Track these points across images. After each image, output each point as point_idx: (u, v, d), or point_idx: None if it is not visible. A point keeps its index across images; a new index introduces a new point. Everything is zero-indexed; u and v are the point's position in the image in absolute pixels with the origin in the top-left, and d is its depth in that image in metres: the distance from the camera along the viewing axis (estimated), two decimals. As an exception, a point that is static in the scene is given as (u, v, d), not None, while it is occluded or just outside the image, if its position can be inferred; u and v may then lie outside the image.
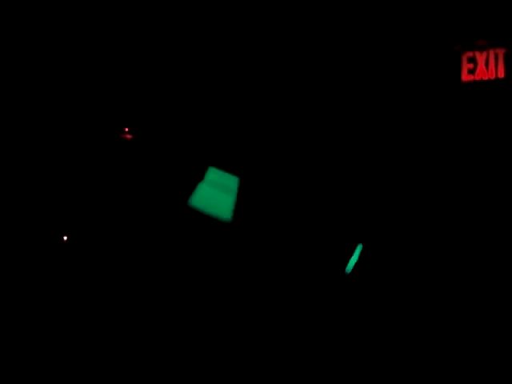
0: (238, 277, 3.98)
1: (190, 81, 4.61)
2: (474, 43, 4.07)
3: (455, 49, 4.12)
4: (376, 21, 4.29)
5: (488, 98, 3.92)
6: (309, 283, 3.79)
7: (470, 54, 4.07)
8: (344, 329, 3.60)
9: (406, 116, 4.16)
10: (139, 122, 4.71)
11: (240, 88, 4.53)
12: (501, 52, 4.00)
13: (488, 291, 2.96)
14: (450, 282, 3.07)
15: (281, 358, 3.59)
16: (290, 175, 4.21)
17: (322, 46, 4.40)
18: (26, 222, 4.40)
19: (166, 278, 4.15)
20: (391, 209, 3.81)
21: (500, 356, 2.81)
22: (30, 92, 4.58)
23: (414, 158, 3.97)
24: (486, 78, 4.03)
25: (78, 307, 4.06)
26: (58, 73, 4.63)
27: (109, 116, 4.71)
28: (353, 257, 3.79)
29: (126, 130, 4.70)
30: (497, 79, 3.99)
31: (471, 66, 4.07)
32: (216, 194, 4.14)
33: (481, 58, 4.05)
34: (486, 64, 4.04)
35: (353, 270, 3.67)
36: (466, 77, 4.08)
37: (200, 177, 4.37)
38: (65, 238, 4.50)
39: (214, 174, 4.20)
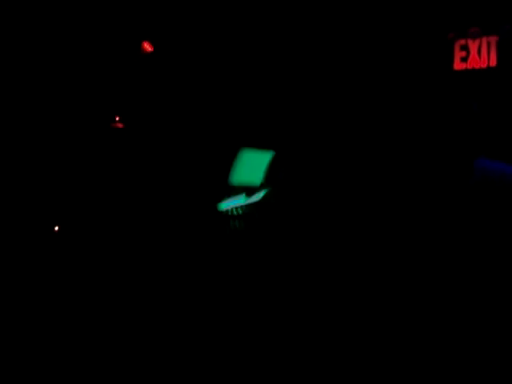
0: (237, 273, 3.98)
1: (189, 79, 4.61)
2: (466, 31, 4.05)
3: (448, 37, 4.10)
4: (369, 10, 4.27)
5: (480, 85, 3.90)
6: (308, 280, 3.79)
7: (463, 41, 4.04)
8: (340, 326, 3.60)
9: (398, 104, 4.14)
10: (130, 111, 4.69)
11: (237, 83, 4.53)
12: (493, 40, 3.97)
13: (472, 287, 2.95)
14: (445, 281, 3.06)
15: (280, 357, 3.59)
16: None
17: (315, 34, 4.38)
18: (19, 216, 4.39)
19: (166, 273, 4.15)
20: (385, 200, 3.79)
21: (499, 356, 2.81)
22: (20, 85, 4.57)
23: (407, 146, 3.95)
24: (478, 66, 4.00)
25: (78, 305, 4.06)
26: (51, 66, 4.62)
27: (100, 106, 4.70)
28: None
29: (117, 118, 4.68)
30: (489, 67, 3.96)
31: (464, 53, 4.04)
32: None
33: (473, 46, 4.02)
34: (479, 52, 4.01)
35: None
36: (458, 65, 4.05)
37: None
38: (56, 228, 4.49)
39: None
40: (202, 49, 4.58)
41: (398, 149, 4.00)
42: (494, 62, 3.96)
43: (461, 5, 4.04)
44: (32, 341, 3.82)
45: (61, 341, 3.82)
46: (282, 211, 4.01)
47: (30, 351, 3.75)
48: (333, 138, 4.21)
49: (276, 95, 4.43)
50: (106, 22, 4.62)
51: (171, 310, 3.93)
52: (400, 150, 3.96)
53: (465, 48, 4.04)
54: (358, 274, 3.64)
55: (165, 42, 4.61)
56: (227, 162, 4.16)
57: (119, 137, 4.67)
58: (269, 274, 3.84)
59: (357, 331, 3.47)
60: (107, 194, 4.51)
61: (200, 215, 4.27)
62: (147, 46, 4.52)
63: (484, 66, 3.98)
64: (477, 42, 4.01)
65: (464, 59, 4.04)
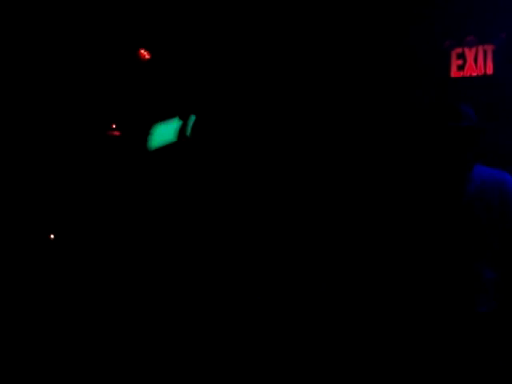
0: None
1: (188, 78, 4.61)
2: (463, 40, 4.08)
3: (445, 45, 4.12)
4: (367, 18, 4.30)
5: (477, 93, 3.92)
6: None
7: (459, 50, 4.07)
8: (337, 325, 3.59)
9: (395, 111, 4.16)
10: (126, 119, 4.69)
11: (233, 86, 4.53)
12: (489, 48, 4.01)
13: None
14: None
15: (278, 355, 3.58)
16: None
17: (314, 42, 4.40)
18: (17, 220, 4.38)
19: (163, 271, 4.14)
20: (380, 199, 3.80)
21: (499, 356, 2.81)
22: (18, 92, 4.56)
23: (404, 153, 3.96)
24: (474, 74, 4.03)
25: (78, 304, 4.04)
26: (49, 73, 4.61)
27: (96, 113, 4.69)
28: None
29: (113, 126, 4.68)
30: (485, 75, 3.99)
31: (460, 62, 4.07)
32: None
33: (470, 54, 4.05)
34: (475, 60, 4.04)
35: None
36: (455, 73, 4.08)
37: None
38: (51, 236, 4.47)
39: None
40: (199, 56, 4.59)
41: (394, 155, 4.01)
42: (490, 70, 3.99)
43: (457, 14, 4.07)
44: (32, 341, 3.80)
45: (61, 341, 3.80)
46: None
47: (30, 351, 3.73)
48: (332, 145, 4.23)
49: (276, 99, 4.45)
50: (103, 29, 4.62)
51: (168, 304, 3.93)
52: (397, 156, 3.97)
53: (461, 56, 4.07)
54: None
55: (162, 49, 4.61)
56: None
57: (115, 144, 4.66)
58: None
59: (350, 327, 3.47)
60: (104, 198, 4.50)
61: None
62: (144, 53, 4.52)
63: (480, 73, 4.01)
64: (473, 50, 4.04)
65: (461, 67, 4.07)
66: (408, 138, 3.98)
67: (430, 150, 3.08)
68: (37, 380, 3.60)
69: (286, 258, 3.93)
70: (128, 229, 4.37)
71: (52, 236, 4.48)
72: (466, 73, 4.05)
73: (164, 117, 4.50)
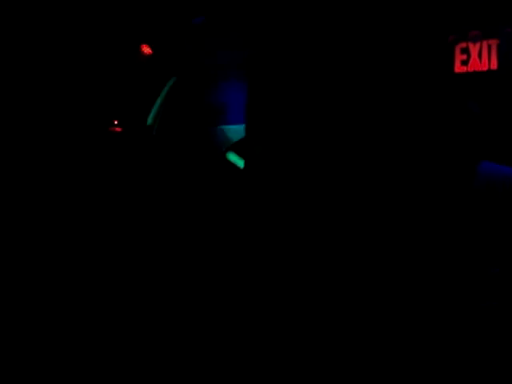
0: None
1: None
2: (467, 34, 4.03)
3: (448, 40, 4.08)
4: (369, 12, 4.26)
5: (481, 89, 3.88)
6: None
7: (464, 44, 4.03)
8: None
9: (399, 107, 4.12)
10: (129, 115, 4.67)
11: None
12: (494, 43, 3.96)
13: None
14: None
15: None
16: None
17: (316, 36, 4.36)
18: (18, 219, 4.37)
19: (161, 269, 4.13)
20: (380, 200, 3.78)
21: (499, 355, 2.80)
22: (19, 89, 4.55)
23: (406, 150, 3.93)
24: (479, 69, 3.98)
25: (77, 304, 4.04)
26: (50, 70, 4.60)
27: (98, 110, 4.68)
28: None
29: (116, 122, 4.66)
30: (490, 70, 3.95)
31: (464, 57, 4.03)
32: None
33: (474, 49, 4.01)
34: (480, 55, 3.99)
35: None
36: (459, 68, 4.04)
37: None
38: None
39: None
40: (200, 52, 4.57)
41: (398, 152, 3.98)
42: (494, 65, 3.94)
43: (461, 8, 4.03)
44: (32, 341, 3.80)
45: (61, 341, 3.80)
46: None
47: (30, 351, 3.73)
48: (334, 142, 4.19)
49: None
50: (105, 26, 4.60)
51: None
52: (401, 153, 3.94)
53: (465, 51, 4.03)
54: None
55: (163, 45, 4.59)
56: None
57: (117, 141, 4.65)
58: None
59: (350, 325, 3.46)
60: (104, 196, 4.49)
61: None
62: (146, 49, 4.50)
63: (485, 69, 3.97)
64: (477, 45, 4.00)
65: (465, 62, 4.02)
66: (412, 133, 3.95)
67: (435, 144, 3.06)
68: (37, 380, 3.60)
69: (286, 257, 3.91)
70: (126, 227, 4.36)
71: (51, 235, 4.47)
72: (470, 68, 4.01)
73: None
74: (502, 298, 2.86)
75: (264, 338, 3.52)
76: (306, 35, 4.09)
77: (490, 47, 3.96)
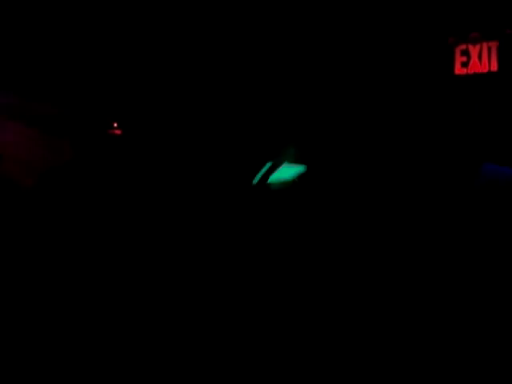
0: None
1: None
2: (467, 36, 4.04)
3: (449, 42, 4.09)
4: (371, 14, 4.26)
5: (481, 90, 3.89)
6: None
7: (464, 46, 4.04)
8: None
9: (399, 109, 4.12)
10: (128, 118, 4.66)
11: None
12: (494, 45, 3.97)
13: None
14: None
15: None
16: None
17: (319, 40, 4.37)
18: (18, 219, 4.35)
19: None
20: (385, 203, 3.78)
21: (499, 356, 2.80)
22: (20, 91, 4.54)
23: (408, 150, 3.94)
24: (479, 71, 3.99)
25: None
26: (51, 71, 4.59)
27: (98, 112, 4.67)
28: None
29: (115, 125, 4.65)
30: (490, 72, 3.96)
31: (464, 58, 4.04)
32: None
33: (474, 51, 4.02)
34: (479, 57, 4.00)
35: None
36: (459, 70, 4.05)
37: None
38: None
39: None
40: (202, 52, 4.56)
41: (399, 152, 3.98)
42: (494, 67, 3.95)
43: (461, 10, 4.04)
44: (32, 341, 3.78)
45: (61, 341, 3.78)
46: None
47: (30, 351, 3.71)
48: (338, 143, 4.20)
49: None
50: (105, 28, 4.59)
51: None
52: (402, 152, 3.95)
53: (465, 53, 4.04)
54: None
55: (163, 46, 4.58)
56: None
57: (117, 143, 4.64)
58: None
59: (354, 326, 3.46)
60: (106, 197, 4.48)
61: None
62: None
63: (485, 70, 3.98)
64: (477, 46, 4.01)
65: (465, 64, 4.03)
66: (413, 134, 3.95)
67: (436, 144, 3.07)
68: (37, 380, 3.58)
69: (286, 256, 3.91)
70: (125, 227, 4.35)
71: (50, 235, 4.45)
72: (471, 70, 4.02)
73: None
74: (502, 298, 2.87)
75: (264, 338, 3.52)
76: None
77: (489, 49, 3.97)
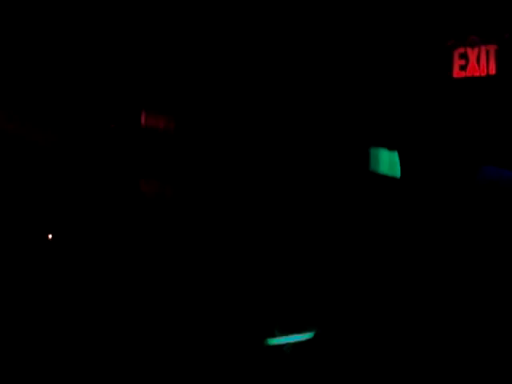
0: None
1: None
2: (465, 39, 4.04)
3: (447, 45, 4.09)
4: (369, 17, 4.27)
5: (480, 94, 3.89)
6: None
7: (462, 50, 4.04)
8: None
9: (398, 112, 4.13)
10: (126, 119, 4.66)
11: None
12: (492, 48, 3.97)
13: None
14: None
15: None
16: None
17: (315, 41, 4.37)
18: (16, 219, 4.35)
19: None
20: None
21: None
22: (18, 91, 4.54)
23: (407, 154, 3.94)
24: (477, 74, 3.99)
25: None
26: (50, 71, 4.59)
27: (96, 113, 4.67)
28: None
29: (112, 126, 4.65)
30: (488, 76, 3.96)
31: (463, 62, 4.03)
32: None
33: (472, 54, 4.02)
34: (478, 60, 4.00)
35: None
36: (457, 73, 4.05)
37: None
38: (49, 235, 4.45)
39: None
40: (203, 52, 4.56)
41: (399, 154, 3.98)
42: (493, 71, 3.95)
43: (460, 13, 4.04)
44: (32, 341, 3.79)
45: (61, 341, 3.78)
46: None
47: (30, 351, 3.71)
48: (334, 144, 4.20)
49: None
50: (104, 28, 4.60)
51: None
52: (401, 155, 3.95)
53: (464, 56, 4.03)
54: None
55: (163, 45, 4.59)
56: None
57: (114, 142, 4.64)
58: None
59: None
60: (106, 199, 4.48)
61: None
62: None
63: (483, 74, 3.97)
64: (476, 50, 4.00)
65: (463, 67, 4.03)
66: (412, 137, 3.96)
67: (435, 147, 3.07)
68: (37, 380, 3.59)
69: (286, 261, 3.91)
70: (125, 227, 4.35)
71: (50, 236, 4.45)
72: (469, 73, 4.01)
73: None
74: (503, 298, 2.87)
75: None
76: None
77: (488, 52, 3.97)
